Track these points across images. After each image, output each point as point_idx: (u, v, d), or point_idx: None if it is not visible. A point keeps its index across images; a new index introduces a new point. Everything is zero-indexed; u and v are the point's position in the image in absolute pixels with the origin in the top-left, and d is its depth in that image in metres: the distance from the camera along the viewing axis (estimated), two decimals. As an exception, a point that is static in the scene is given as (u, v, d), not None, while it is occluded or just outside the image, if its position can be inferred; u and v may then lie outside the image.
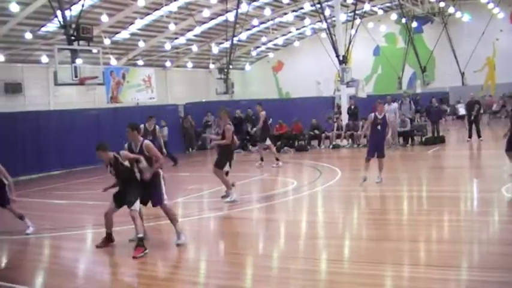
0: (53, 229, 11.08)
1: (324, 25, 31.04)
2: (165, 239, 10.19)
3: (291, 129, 26.86)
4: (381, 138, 14.49)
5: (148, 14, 37.57)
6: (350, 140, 26.05)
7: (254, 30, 48.46)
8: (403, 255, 8.19)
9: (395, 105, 23.92)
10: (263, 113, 21.16)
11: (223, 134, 12.98)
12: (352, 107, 28.72)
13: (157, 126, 19.76)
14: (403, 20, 44.55)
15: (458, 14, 46.05)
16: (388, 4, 48.43)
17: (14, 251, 10.04)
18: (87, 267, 8.85)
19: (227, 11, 35.73)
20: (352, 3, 33.98)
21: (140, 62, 42.88)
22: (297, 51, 54.87)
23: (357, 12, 32.67)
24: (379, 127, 14.30)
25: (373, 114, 14.54)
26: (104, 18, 32.50)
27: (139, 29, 39.86)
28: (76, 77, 20.96)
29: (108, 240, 9.56)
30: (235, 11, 34.59)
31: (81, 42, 21.76)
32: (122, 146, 9.37)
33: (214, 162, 13.21)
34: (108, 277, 8.02)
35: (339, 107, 30.71)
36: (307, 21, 46.62)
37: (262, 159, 20.68)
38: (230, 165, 13.39)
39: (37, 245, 10.10)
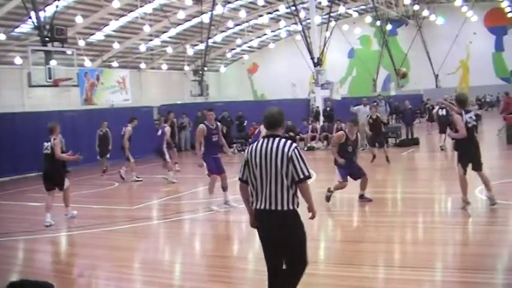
0: (28, 231, 10.96)
1: (299, 27, 31.19)
2: (143, 241, 10.15)
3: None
4: (217, 148, 13.30)
5: (123, 15, 37.45)
6: (325, 141, 26.10)
7: (229, 32, 48.56)
8: (378, 257, 8.24)
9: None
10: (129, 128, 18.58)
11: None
12: (328, 108, 28.86)
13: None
14: (378, 23, 44.95)
15: (432, 17, 46.62)
16: (363, 7, 48.89)
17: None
18: (64, 270, 8.73)
19: (202, 13, 35.77)
20: (327, 6, 34.15)
21: (115, 64, 42.68)
22: (272, 54, 55.07)
23: (331, 14, 32.87)
24: (213, 137, 12.95)
25: (203, 125, 13.05)
26: (79, 19, 32.31)
27: (114, 31, 39.74)
28: (50, 78, 20.84)
29: None
30: (210, 12, 34.61)
31: (55, 43, 21.63)
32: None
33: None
34: (79, 279, 7.94)
35: (317, 112, 30.31)
36: (282, 23, 46.85)
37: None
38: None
39: (12, 248, 9.97)
